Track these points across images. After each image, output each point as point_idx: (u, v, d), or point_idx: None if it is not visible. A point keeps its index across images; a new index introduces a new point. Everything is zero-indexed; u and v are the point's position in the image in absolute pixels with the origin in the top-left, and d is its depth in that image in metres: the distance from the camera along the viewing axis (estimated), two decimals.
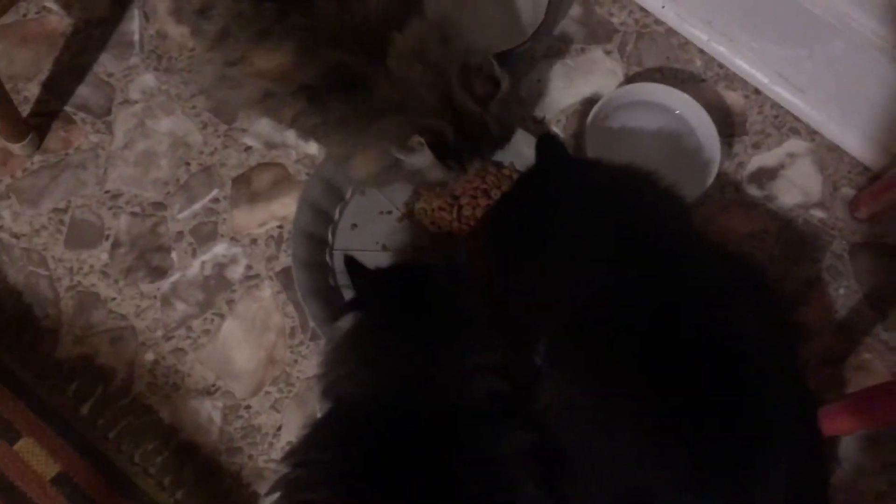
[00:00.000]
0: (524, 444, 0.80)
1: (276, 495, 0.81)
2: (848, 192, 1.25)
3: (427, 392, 0.82)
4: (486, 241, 1.02)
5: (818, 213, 1.24)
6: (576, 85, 1.28)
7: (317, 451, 0.81)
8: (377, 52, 0.98)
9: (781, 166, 1.26)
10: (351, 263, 0.98)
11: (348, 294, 1.09)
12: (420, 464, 0.76)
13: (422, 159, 0.96)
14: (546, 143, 1.02)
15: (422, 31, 1.00)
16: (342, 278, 1.10)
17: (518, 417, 0.82)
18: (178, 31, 1.27)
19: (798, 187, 1.25)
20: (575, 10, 1.31)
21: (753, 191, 1.24)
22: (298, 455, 0.82)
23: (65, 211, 1.19)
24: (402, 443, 0.78)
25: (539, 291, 0.91)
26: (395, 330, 0.89)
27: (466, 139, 0.99)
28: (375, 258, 1.11)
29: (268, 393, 1.12)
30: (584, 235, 0.92)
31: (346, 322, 0.93)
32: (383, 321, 0.90)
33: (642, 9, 1.32)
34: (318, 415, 0.90)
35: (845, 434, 0.95)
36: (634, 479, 0.81)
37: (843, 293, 1.20)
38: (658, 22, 1.31)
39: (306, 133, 1.07)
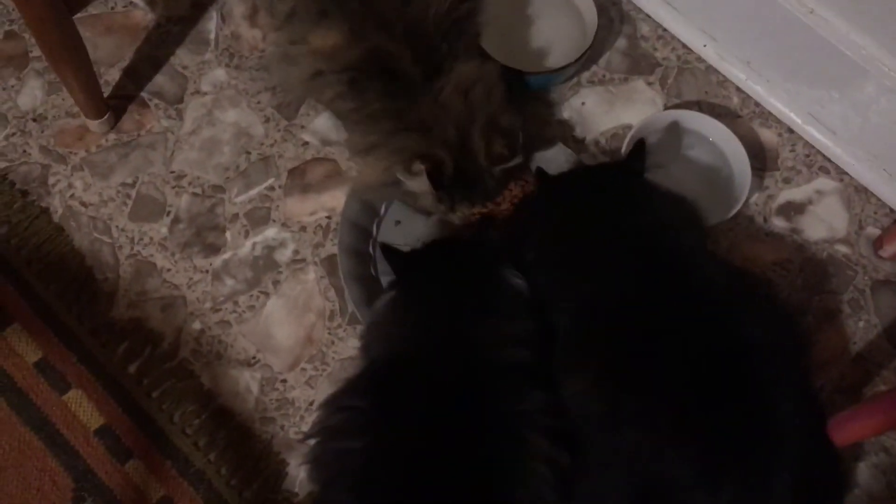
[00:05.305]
0: (541, 402, 0.85)
1: (313, 441, 0.86)
2: (873, 231, 1.29)
3: (456, 353, 0.88)
4: (525, 214, 1.08)
5: (842, 249, 1.28)
6: (616, 111, 1.35)
7: (354, 398, 0.87)
8: (424, 58, 1.06)
9: (809, 202, 1.31)
10: (386, 249, 1.03)
11: (387, 282, 1.15)
12: (445, 416, 0.82)
13: (419, 185, 1.04)
14: (639, 148, 1.08)
15: (477, 73, 1.08)
16: (383, 268, 1.17)
17: (537, 381, 0.87)
18: (250, 34, 1.37)
19: (824, 223, 1.30)
20: (621, 43, 1.39)
21: (780, 223, 1.29)
22: (336, 402, 0.88)
23: (132, 186, 1.28)
24: (430, 396, 0.84)
25: (562, 278, 0.97)
26: (429, 297, 0.95)
27: (463, 184, 1.06)
28: None
29: (304, 369, 1.18)
30: (613, 236, 0.99)
31: (384, 299, 1.00)
32: (419, 290, 0.97)
33: (685, 46, 1.39)
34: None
35: (857, 440, 0.97)
36: (650, 473, 0.85)
37: (863, 326, 1.24)
38: (699, 59, 1.39)
39: (340, 117, 1.15)
